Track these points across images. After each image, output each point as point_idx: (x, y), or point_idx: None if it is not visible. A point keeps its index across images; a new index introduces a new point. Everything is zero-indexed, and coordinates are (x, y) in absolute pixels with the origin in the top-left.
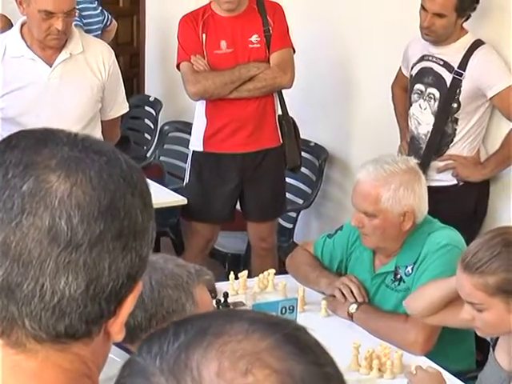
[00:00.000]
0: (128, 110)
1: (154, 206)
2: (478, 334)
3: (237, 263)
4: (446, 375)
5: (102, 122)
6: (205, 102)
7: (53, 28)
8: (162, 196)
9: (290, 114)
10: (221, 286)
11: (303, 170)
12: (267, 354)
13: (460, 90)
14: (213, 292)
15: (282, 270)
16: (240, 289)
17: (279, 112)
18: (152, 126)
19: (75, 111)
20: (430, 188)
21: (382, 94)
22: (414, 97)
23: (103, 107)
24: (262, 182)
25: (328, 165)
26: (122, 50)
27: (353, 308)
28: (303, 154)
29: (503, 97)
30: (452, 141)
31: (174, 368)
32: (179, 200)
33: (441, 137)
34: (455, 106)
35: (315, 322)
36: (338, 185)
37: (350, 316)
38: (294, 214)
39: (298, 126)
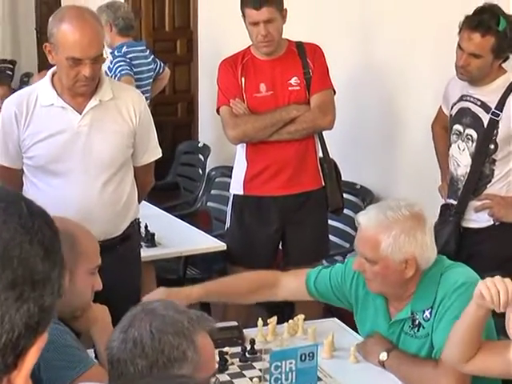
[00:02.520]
0: (161, 155)
1: (195, 253)
2: None
3: (281, 308)
4: None
5: (134, 168)
6: (245, 145)
7: (80, 75)
8: (203, 242)
9: (335, 155)
10: (250, 333)
11: (349, 213)
12: None
13: (497, 131)
14: (240, 338)
15: (327, 315)
16: (269, 335)
17: (320, 154)
18: (201, 172)
19: (105, 157)
20: (469, 229)
21: (428, 133)
22: (453, 137)
23: (135, 153)
24: (303, 225)
25: None
26: (180, 97)
27: (383, 356)
28: (348, 196)
29: None
30: (490, 181)
31: None
32: (219, 246)
33: (478, 178)
34: (492, 147)
35: (343, 369)
36: None
37: (382, 364)
38: (340, 258)
39: (343, 167)
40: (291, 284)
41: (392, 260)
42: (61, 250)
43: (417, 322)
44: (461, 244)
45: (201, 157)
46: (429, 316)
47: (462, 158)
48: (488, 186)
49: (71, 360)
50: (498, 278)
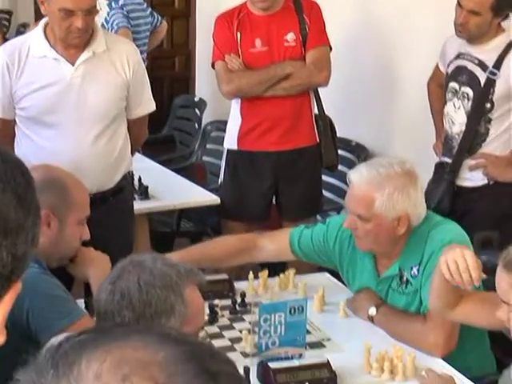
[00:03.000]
0: (155, 108)
1: (188, 206)
2: None
3: (273, 262)
4: (463, 380)
5: (128, 121)
6: (240, 100)
7: (73, 27)
8: (197, 195)
9: (330, 112)
10: (241, 286)
11: (344, 169)
12: (158, 366)
13: (494, 90)
14: (230, 291)
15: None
16: (260, 288)
17: (315, 111)
18: (197, 127)
19: (98, 109)
20: (463, 188)
21: (423, 91)
22: (449, 95)
23: (128, 106)
24: (297, 181)
25: None
26: (178, 51)
27: (372, 311)
28: (343, 152)
29: None
30: (485, 140)
31: (61, 363)
32: (212, 200)
33: (473, 136)
34: (488, 105)
35: (333, 323)
36: None
37: (371, 319)
38: (334, 213)
39: (338, 124)
40: (271, 246)
41: (385, 217)
42: (35, 199)
43: (404, 278)
44: (455, 202)
45: (197, 111)
46: (416, 273)
47: (457, 116)
48: (483, 144)
49: (61, 310)
50: (458, 252)
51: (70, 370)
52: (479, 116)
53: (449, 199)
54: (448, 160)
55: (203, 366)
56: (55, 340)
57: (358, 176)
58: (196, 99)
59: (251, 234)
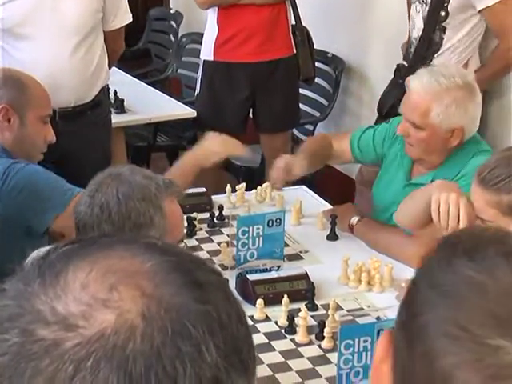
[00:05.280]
0: (131, 20)
1: (164, 119)
2: None
3: (251, 176)
4: None
5: (105, 33)
6: (217, 9)
7: None
8: (173, 109)
9: (307, 24)
10: (219, 199)
11: (320, 81)
12: (144, 276)
13: None
14: (208, 204)
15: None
16: (237, 202)
17: (292, 21)
18: (173, 40)
19: (74, 21)
20: None
21: (402, 1)
22: None
23: (105, 17)
24: (274, 93)
25: (345, 76)
26: None
27: (354, 220)
28: (320, 65)
29: (494, 12)
30: (438, 50)
31: (48, 273)
32: (189, 112)
33: (428, 44)
34: (443, 14)
35: (310, 235)
36: (356, 96)
37: (351, 228)
38: (310, 127)
39: (315, 35)
40: (335, 145)
41: (439, 128)
42: None
43: None
44: None
45: (173, 23)
46: None
47: (417, 20)
48: (436, 55)
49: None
50: (454, 197)
51: (56, 280)
52: (434, 23)
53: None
54: (405, 64)
55: (190, 276)
56: (41, 250)
57: (418, 83)
58: (172, 11)
59: (324, 134)
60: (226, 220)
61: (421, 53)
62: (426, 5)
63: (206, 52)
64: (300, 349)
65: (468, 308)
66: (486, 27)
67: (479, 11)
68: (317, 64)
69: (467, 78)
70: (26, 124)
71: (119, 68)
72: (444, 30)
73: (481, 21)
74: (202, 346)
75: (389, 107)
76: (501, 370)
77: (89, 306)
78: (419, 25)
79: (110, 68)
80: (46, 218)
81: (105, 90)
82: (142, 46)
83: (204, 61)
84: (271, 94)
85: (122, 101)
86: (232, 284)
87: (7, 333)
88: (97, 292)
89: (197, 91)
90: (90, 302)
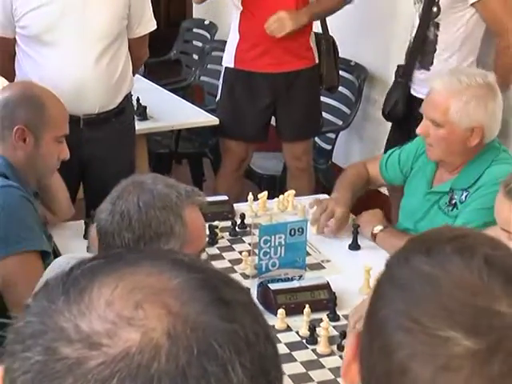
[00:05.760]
0: (155, 27)
1: (187, 127)
2: None
3: (273, 184)
4: None
5: (129, 40)
6: (239, 16)
7: None
8: (196, 116)
9: (331, 32)
10: (241, 207)
11: (342, 90)
12: (171, 293)
13: None
14: (230, 213)
15: (318, 192)
16: (259, 210)
17: (318, 30)
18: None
19: (100, 28)
20: (417, 99)
21: None
22: None
23: (129, 25)
24: (295, 102)
25: (368, 84)
26: None
27: (378, 228)
28: (343, 73)
29: (487, 4)
30: (435, 49)
31: (72, 290)
32: (212, 120)
33: (424, 42)
34: (435, 9)
35: (332, 244)
36: (378, 105)
37: (374, 236)
38: (332, 136)
39: (338, 44)
40: (369, 170)
41: (458, 126)
42: None
43: (454, 201)
44: (413, 108)
45: (204, 33)
46: (464, 199)
47: (415, 19)
48: (435, 54)
49: (18, 234)
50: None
51: (80, 297)
52: (427, 20)
53: (403, 103)
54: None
55: (217, 294)
56: (66, 266)
57: (439, 82)
58: (206, 22)
59: (358, 163)
60: (248, 228)
61: (417, 50)
62: (421, 3)
63: (228, 59)
64: (321, 359)
65: (421, 301)
66: (486, 28)
67: (471, 4)
68: (340, 72)
69: (488, 78)
70: (40, 145)
71: (148, 78)
72: (437, 26)
73: (474, 17)
74: (228, 366)
75: (391, 107)
76: (451, 361)
77: (113, 324)
78: (416, 23)
79: (133, 75)
80: None
81: (128, 97)
82: (173, 57)
83: (225, 68)
84: (292, 103)
85: (145, 108)
86: (253, 293)
87: (30, 350)
88: (122, 310)
89: (218, 97)
90: (115, 320)
